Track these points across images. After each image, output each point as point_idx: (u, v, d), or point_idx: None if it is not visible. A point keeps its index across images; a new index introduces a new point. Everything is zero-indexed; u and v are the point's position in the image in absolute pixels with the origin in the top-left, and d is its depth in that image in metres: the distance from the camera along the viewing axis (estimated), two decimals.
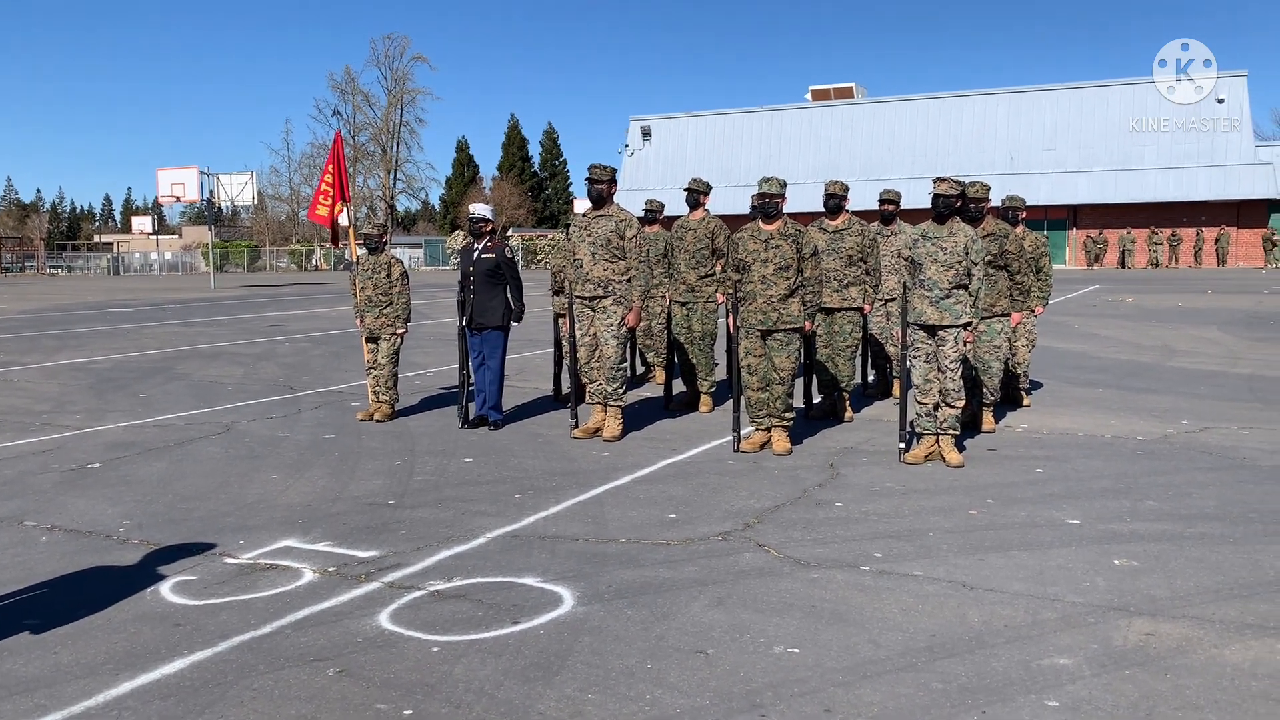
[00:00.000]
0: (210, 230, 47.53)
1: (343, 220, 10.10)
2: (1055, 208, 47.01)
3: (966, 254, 6.83)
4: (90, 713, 3.40)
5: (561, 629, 4.07)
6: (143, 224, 74.60)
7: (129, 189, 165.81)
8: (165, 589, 4.59)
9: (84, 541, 5.34)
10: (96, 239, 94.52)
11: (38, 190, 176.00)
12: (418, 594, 4.49)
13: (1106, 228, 46.94)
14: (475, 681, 3.59)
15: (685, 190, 9.27)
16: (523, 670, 3.68)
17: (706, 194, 9.26)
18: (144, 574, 4.81)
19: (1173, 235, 45.56)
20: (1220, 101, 45.20)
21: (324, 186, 10.03)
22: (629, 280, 7.73)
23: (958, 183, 7.00)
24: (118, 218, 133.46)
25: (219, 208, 46.76)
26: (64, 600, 4.47)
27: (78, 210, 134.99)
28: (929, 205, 7.02)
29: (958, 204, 7.00)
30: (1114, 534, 5.28)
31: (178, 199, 46.16)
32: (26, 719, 3.35)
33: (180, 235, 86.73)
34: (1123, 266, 45.66)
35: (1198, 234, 45.40)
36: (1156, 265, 45.05)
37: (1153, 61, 46.65)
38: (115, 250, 73.68)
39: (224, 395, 10.48)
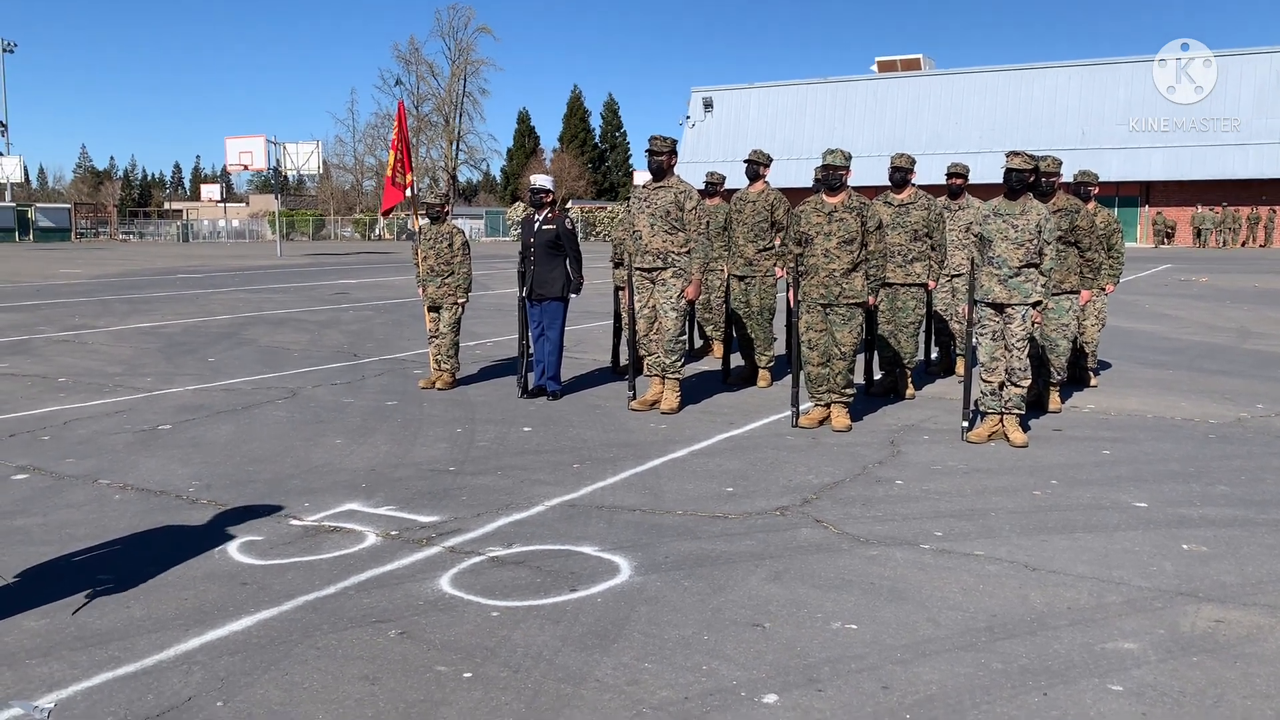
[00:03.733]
0: (277, 198, 48.25)
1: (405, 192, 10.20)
2: (1127, 184, 45.81)
3: (1039, 233, 6.67)
4: (161, 666, 3.50)
5: (619, 598, 4.09)
6: (211, 192, 75.98)
7: (198, 157, 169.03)
8: (233, 548, 4.71)
9: (155, 501, 5.49)
10: (166, 206, 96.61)
11: (111, 158, 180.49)
12: (478, 559, 4.54)
13: (1183, 205, 45.70)
14: (534, 647, 3.63)
15: (745, 162, 9.18)
16: (580, 637, 3.71)
17: (767, 166, 9.16)
18: (212, 534, 4.93)
19: (1252, 214, 44.20)
20: None
21: (395, 157, 10.12)
22: (688, 253, 7.69)
23: (1031, 157, 6.83)
24: (187, 185, 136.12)
25: (285, 176, 47.48)
26: (136, 557, 4.60)
27: (149, 178, 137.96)
28: (997, 180, 6.88)
29: (1030, 179, 6.84)
30: (1183, 518, 5.16)
31: (245, 167, 46.96)
32: (101, 670, 3.46)
33: (247, 203, 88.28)
34: (1199, 243, 44.40)
35: (1272, 212, 43.99)
36: (1224, 245, 43.76)
37: (1233, 33, 45.28)
38: (184, 217, 75.22)
39: (290, 361, 10.68)
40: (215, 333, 13.23)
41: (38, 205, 63.96)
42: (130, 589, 4.19)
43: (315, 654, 3.58)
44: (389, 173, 10.28)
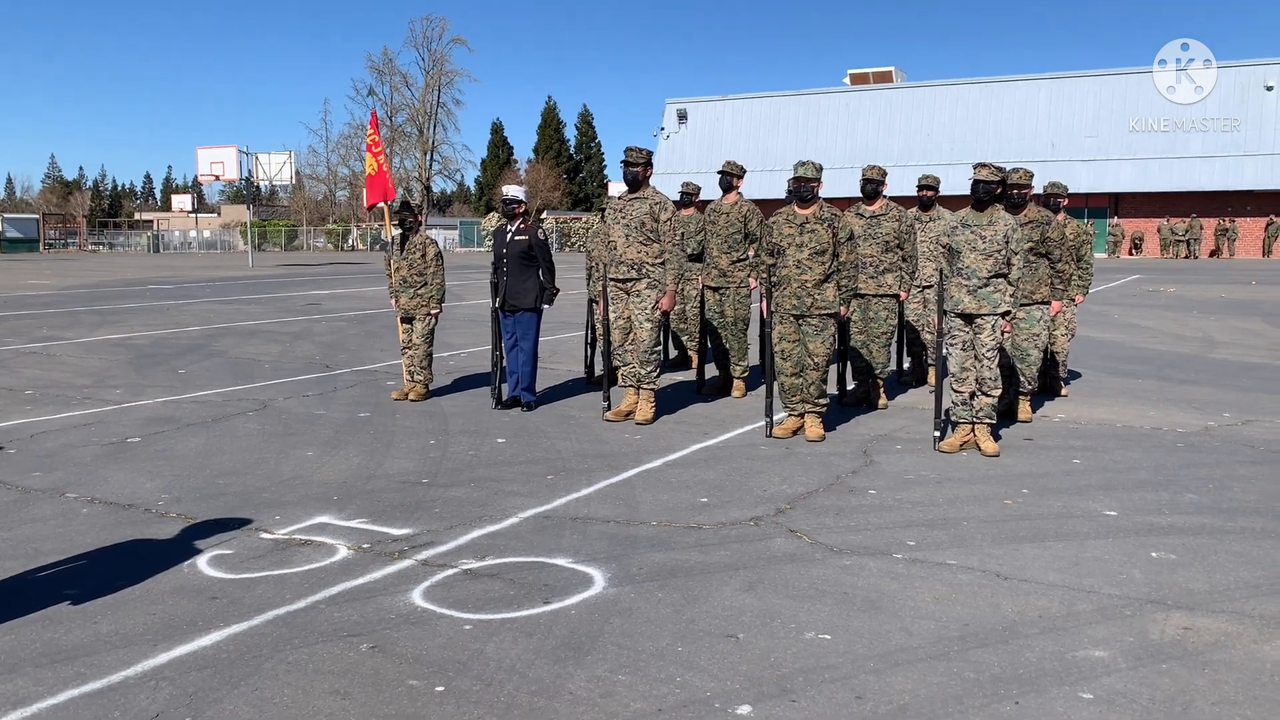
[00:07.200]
0: (249, 209, 47.90)
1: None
2: (1096, 195, 46.35)
3: (1006, 243, 6.74)
4: (129, 682, 3.45)
5: (592, 610, 4.08)
6: (182, 202, 75.43)
7: (169, 167, 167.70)
8: (202, 562, 4.66)
9: (123, 514, 5.42)
10: (137, 216, 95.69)
11: (80, 168, 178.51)
12: (450, 572, 4.52)
13: (1151, 216, 46.34)
14: (507, 660, 3.61)
15: (718, 173, 9.21)
16: (554, 650, 3.70)
17: (740, 177, 9.20)
18: (181, 547, 4.87)
19: (1219, 225, 44.81)
20: (1270, 89, 44.31)
21: (373, 160, 10.17)
22: (663, 263, 7.71)
23: (998, 169, 6.90)
24: (158, 196, 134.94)
25: (257, 187, 47.17)
26: (103, 571, 4.54)
27: (119, 188, 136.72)
28: (967, 192, 6.94)
29: (998, 190, 6.91)
30: (1152, 526, 5.21)
31: (217, 178, 46.66)
32: (67, 687, 3.41)
33: (219, 214, 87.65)
34: (1181, 254, 44.91)
35: (1229, 222, 44.61)
36: (1193, 256, 44.31)
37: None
38: (155, 228, 74.60)
39: (261, 373, 10.59)
40: (185, 344, 13.10)
41: (5, 216, 63.28)
42: (97, 603, 4.13)
43: (286, 669, 3.55)
44: (370, 172, 10.31)
